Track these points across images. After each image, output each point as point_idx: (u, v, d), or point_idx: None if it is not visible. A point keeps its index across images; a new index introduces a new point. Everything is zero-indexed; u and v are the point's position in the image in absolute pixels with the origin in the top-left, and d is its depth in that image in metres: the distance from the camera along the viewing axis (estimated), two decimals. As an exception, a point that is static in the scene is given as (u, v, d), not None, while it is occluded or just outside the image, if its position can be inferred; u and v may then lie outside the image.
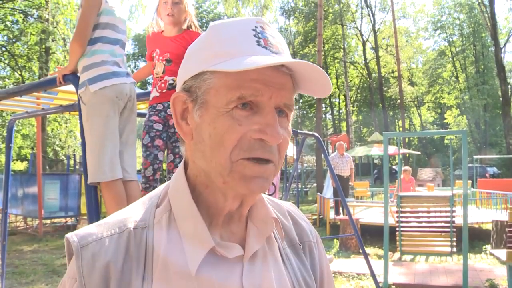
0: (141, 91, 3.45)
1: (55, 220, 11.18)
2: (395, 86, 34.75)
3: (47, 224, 10.77)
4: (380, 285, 5.19)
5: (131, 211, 0.69)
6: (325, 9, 30.62)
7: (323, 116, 40.12)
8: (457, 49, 37.08)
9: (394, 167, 24.72)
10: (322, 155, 11.98)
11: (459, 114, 34.41)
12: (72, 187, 10.68)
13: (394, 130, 35.33)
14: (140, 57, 42.81)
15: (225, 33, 0.66)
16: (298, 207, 1.03)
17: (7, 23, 18.19)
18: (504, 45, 33.05)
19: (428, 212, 6.11)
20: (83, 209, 10.15)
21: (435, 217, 6.01)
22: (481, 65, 34.50)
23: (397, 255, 7.14)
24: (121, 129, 2.37)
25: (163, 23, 2.63)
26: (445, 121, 34.90)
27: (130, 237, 0.65)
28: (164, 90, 2.55)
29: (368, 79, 37.30)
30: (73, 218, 10.99)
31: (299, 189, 16.97)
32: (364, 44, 38.33)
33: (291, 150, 13.22)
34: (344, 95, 35.71)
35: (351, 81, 39.32)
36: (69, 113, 4.10)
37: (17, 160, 24.45)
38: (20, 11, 17.70)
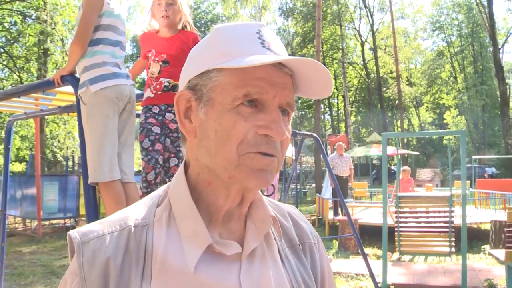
0: (140, 92, 3.44)
1: (54, 221, 11.17)
2: (394, 87, 34.78)
3: (45, 226, 10.76)
4: (379, 285, 5.20)
5: (133, 210, 0.71)
6: (323, 10, 30.62)
7: (322, 116, 40.17)
8: (456, 49, 37.16)
9: (393, 167, 24.74)
10: (321, 155, 12.00)
11: (458, 114, 34.46)
12: (70, 188, 10.67)
13: (393, 131, 35.35)
14: (138, 58, 42.71)
15: (230, 35, 0.67)
16: (296, 207, 1.03)
17: (5, 24, 18.16)
18: (503, 45, 33.17)
19: (427, 212, 6.12)
20: (82, 210, 10.13)
21: (434, 217, 6.02)
22: (479, 66, 34.57)
23: (396, 255, 7.14)
24: (120, 130, 2.37)
25: (157, 24, 2.61)
26: (444, 121, 34.98)
27: (130, 235, 0.65)
28: (159, 92, 2.51)
29: (367, 80, 37.32)
30: (72, 219, 10.99)
31: (298, 190, 16.98)
32: (362, 44, 38.38)
33: (290, 151, 13.21)
34: (343, 96, 35.73)
35: (349, 81, 39.36)
36: (68, 114, 4.10)
37: (15, 161, 24.41)
38: (18, 12, 17.67)
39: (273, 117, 0.65)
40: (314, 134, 5.53)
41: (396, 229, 6.00)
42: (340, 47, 37.34)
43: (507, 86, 29.14)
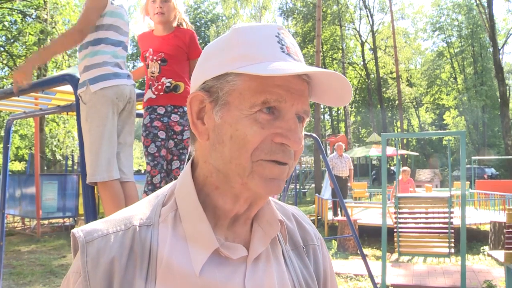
0: (140, 91, 3.43)
1: (53, 221, 11.15)
2: (394, 87, 34.81)
3: (45, 225, 10.73)
4: (378, 286, 5.19)
5: (138, 209, 0.70)
6: (323, 10, 30.65)
7: (322, 117, 40.12)
8: (456, 50, 37.20)
9: (392, 168, 24.77)
10: (321, 156, 11.99)
11: (458, 115, 34.51)
12: (70, 187, 10.65)
13: (393, 131, 35.40)
14: (138, 57, 42.79)
15: (249, 36, 0.66)
16: (296, 208, 1.02)
17: (6, 23, 18.14)
18: (502, 46, 33.21)
19: (426, 213, 6.11)
20: (81, 210, 10.12)
21: (433, 218, 6.01)
22: (479, 66, 34.60)
23: (395, 256, 7.15)
24: (119, 130, 2.37)
25: (152, 22, 2.58)
26: (444, 122, 35.02)
27: (135, 235, 0.65)
28: (161, 93, 2.48)
29: (367, 80, 37.34)
30: (71, 218, 10.98)
31: (297, 190, 16.99)
32: (362, 45, 38.39)
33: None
34: (343, 96, 35.68)
35: (349, 82, 39.32)
36: (67, 114, 4.09)
37: (15, 160, 24.42)
38: (19, 11, 17.65)
39: (290, 125, 0.64)
40: (314, 134, 5.52)
41: (395, 230, 5.99)
42: (340, 47, 37.37)
43: (507, 87, 29.15)
